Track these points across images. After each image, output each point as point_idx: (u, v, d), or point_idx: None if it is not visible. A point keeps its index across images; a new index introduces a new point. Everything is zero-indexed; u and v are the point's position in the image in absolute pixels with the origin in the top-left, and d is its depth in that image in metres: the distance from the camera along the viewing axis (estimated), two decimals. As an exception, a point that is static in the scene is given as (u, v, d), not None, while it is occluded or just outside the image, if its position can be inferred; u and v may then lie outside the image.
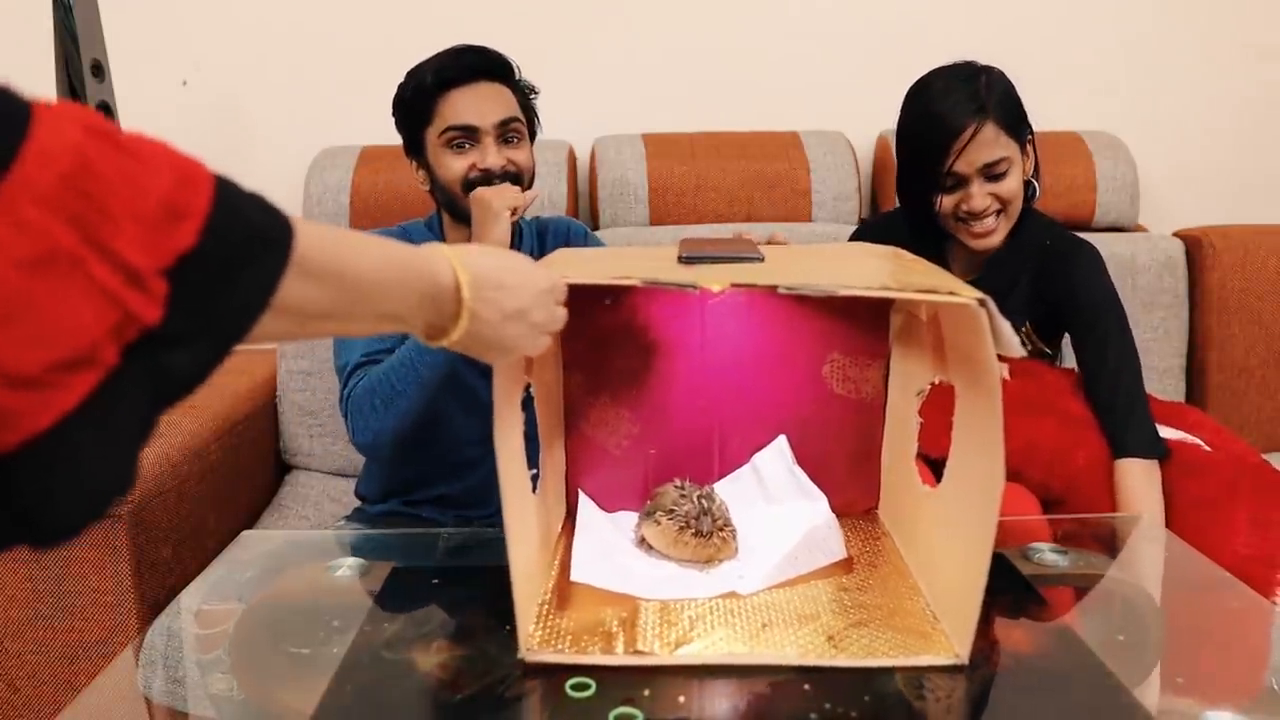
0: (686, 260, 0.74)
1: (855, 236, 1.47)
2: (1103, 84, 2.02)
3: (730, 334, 0.91)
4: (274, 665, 0.72)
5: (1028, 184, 1.24)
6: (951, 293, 0.61)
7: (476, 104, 1.19)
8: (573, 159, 1.91)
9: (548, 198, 1.82)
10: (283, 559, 0.94)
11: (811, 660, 0.67)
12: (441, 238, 1.27)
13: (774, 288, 0.63)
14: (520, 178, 1.21)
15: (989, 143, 1.17)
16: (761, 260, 0.75)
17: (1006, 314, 1.33)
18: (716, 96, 2.00)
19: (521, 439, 0.72)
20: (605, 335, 0.90)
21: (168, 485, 1.23)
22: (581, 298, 0.88)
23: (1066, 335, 1.31)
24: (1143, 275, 1.77)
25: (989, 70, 1.21)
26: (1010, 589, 0.80)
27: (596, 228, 1.88)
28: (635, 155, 1.85)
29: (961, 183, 1.19)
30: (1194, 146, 2.05)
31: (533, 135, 1.29)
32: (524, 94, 1.27)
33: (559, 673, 0.67)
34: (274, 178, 1.98)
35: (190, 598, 0.83)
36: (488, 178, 1.18)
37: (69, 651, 1.16)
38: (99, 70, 1.64)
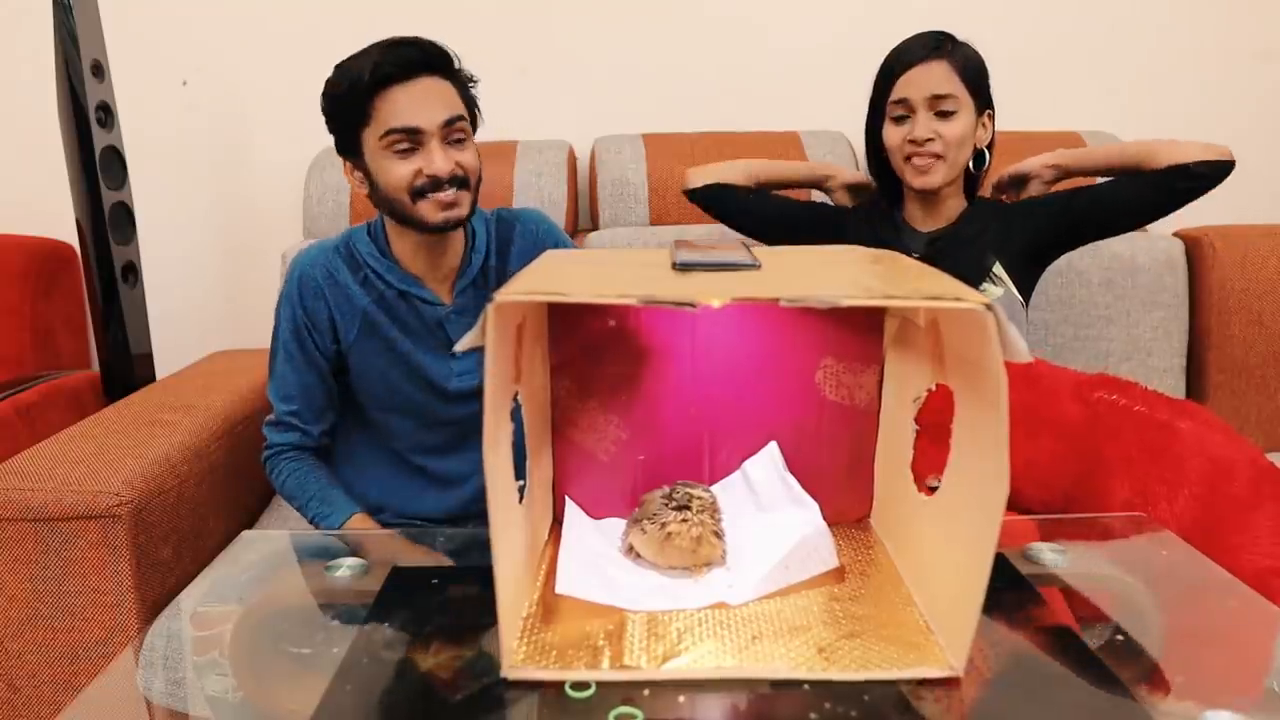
0: (681, 267, 0.73)
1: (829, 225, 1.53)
2: (1103, 84, 2.03)
3: (721, 339, 0.90)
4: (274, 665, 0.72)
5: (979, 154, 1.36)
6: (957, 298, 0.61)
7: (419, 103, 1.11)
8: (573, 159, 1.92)
9: (548, 198, 1.82)
10: (283, 559, 0.94)
11: (802, 674, 0.66)
12: (386, 245, 1.22)
13: (775, 300, 0.61)
14: (467, 181, 1.15)
15: (940, 77, 1.28)
16: (758, 267, 0.75)
17: (980, 253, 1.38)
18: (716, 96, 2.00)
19: (510, 449, 0.71)
20: (594, 340, 0.89)
21: (168, 485, 1.23)
22: (572, 305, 0.88)
23: (1034, 297, 1.45)
24: (1143, 275, 1.77)
25: (964, 42, 1.33)
26: (1010, 589, 0.80)
27: (596, 228, 1.89)
28: (635, 155, 1.85)
29: (909, 113, 1.30)
30: (1194, 146, 2.05)
31: (474, 128, 1.22)
32: (464, 86, 1.19)
33: (559, 673, 0.66)
34: (274, 178, 1.99)
35: (190, 598, 0.83)
36: (436, 184, 1.12)
37: (69, 651, 1.16)
38: (99, 70, 1.64)
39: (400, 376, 1.21)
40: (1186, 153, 1.31)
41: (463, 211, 1.15)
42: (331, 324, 1.20)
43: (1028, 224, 1.37)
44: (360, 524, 1.18)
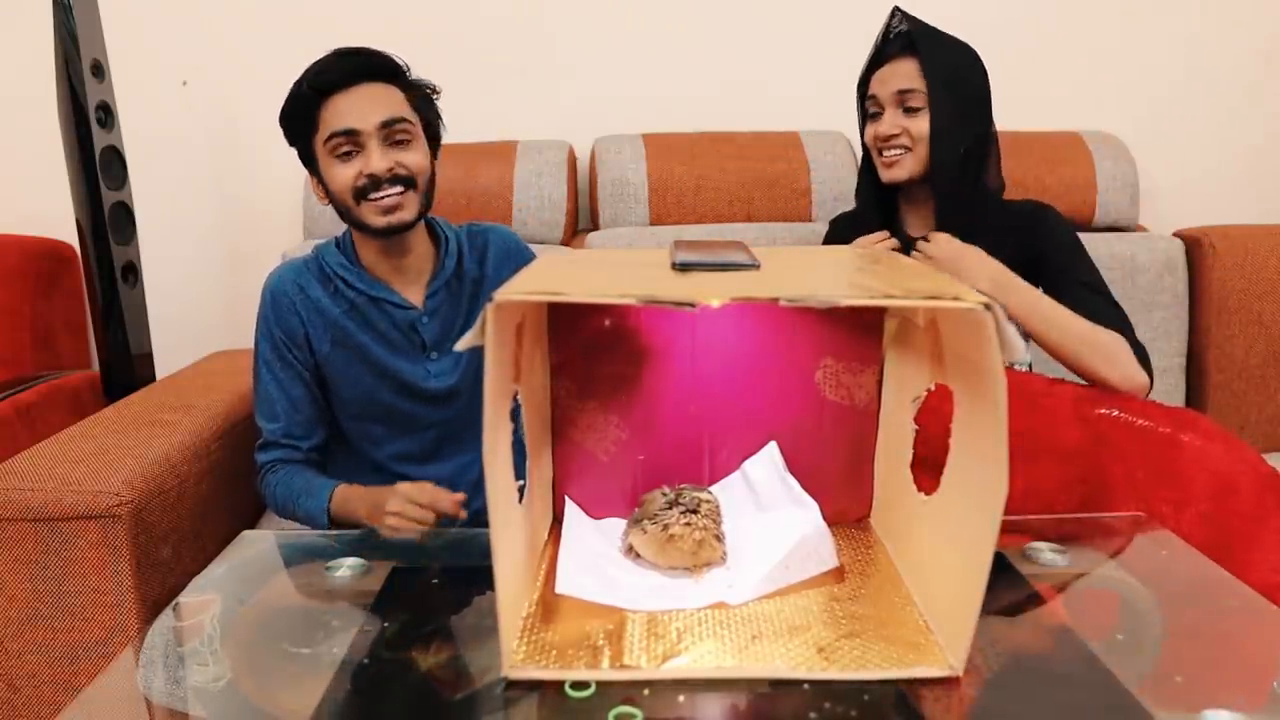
0: (681, 267, 0.73)
1: (831, 234, 1.53)
2: (1103, 84, 2.03)
3: (721, 340, 0.90)
4: (274, 665, 0.72)
5: (981, 175, 1.31)
6: (955, 298, 0.61)
7: (357, 107, 1.13)
8: (573, 159, 1.92)
9: (548, 198, 1.82)
10: (283, 558, 0.94)
11: (801, 673, 0.66)
12: (353, 254, 1.23)
13: (775, 300, 0.61)
14: (413, 181, 1.15)
15: (906, 74, 1.29)
16: (758, 267, 0.75)
17: None
18: (716, 96, 2.00)
19: (510, 449, 0.72)
20: (595, 341, 0.89)
21: (168, 485, 1.23)
22: (571, 305, 0.88)
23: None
24: (1143, 275, 1.77)
25: (943, 38, 1.30)
26: (1010, 589, 0.80)
27: (596, 228, 1.89)
28: (635, 155, 1.85)
29: (880, 109, 1.32)
30: (1194, 146, 2.05)
31: (435, 138, 1.22)
32: (420, 94, 1.20)
33: (558, 673, 0.67)
34: (273, 178, 1.99)
35: (189, 598, 0.83)
36: (375, 183, 1.13)
37: (69, 651, 1.15)
38: (99, 70, 1.64)
39: (376, 383, 1.23)
40: (1109, 375, 1.18)
41: (406, 215, 1.15)
42: (306, 338, 1.22)
43: (1005, 248, 1.28)
44: (344, 494, 1.17)
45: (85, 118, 1.61)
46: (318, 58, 1.17)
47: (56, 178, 1.69)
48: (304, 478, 1.22)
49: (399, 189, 1.14)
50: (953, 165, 1.29)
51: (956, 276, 1.19)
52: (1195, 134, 2.05)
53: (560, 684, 0.65)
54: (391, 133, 1.14)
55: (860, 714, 0.62)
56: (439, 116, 1.23)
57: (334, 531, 1.18)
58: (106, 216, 1.65)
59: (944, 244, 1.25)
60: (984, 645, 0.69)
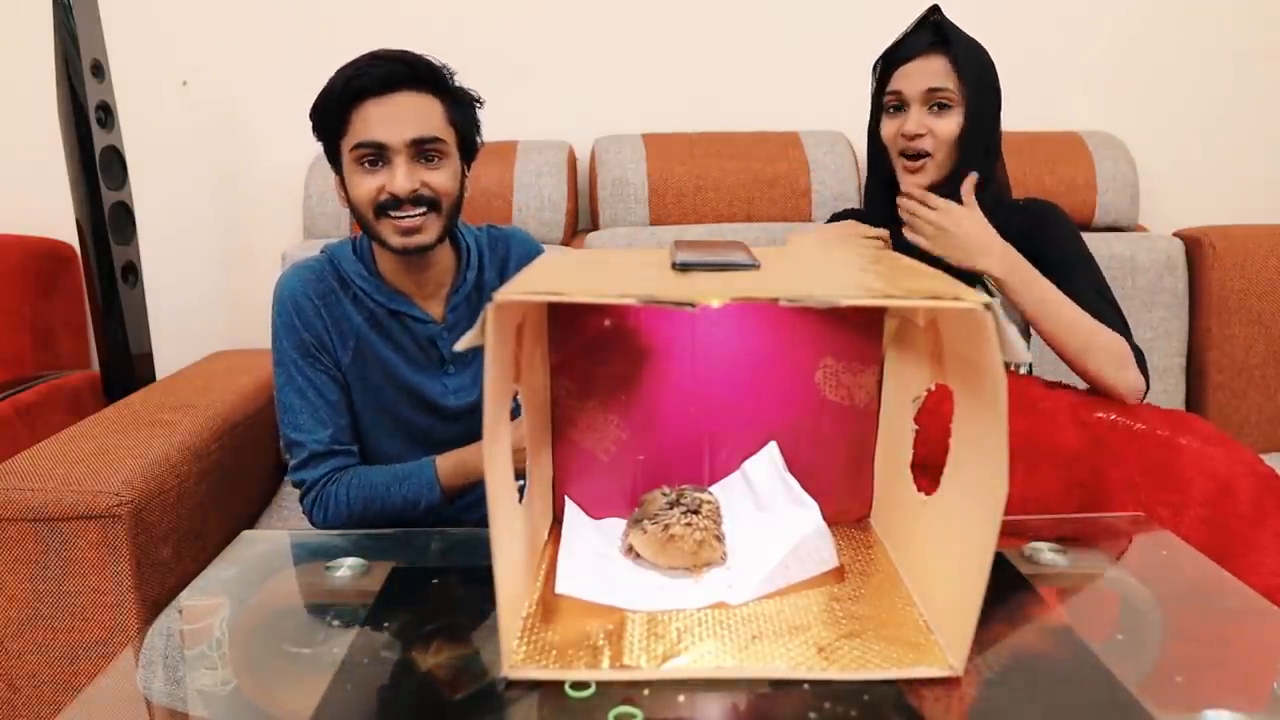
0: (681, 267, 0.73)
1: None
2: (1103, 84, 2.03)
3: (721, 339, 0.90)
4: (274, 665, 0.72)
5: (992, 177, 1.28)
6: (955, 298, 0.61)
7: (390, 119, 1.08)
8: (573, 159, 1.92)
9: (548, 198, 1.82)
10: (283, 559, 0.94)
11: (801, 673, 0.66)
12: (372, 263, 1.19)
13: (775, 300, 0.61)
14: (438, 203, 1.11)
15: (937, 72, 1.24)
16: (758, 267, 0.75)
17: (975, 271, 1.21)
18: (716, 96, 2.00)
19: (509, 448, 0.71)
20: (594, 340, 0.89)
21: (168, 485, 1.23)
22: (571, 305, 0.88)
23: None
24: (1143, 275, 1.77)
25: (970, 38, 1.27)
26: (1010, 589, 0.80)
27: (596, 228, 1.89)
28: (635, 155, 1.85)
29: (903, 106, 1.26)
30: (1194, 146, 2.05)
31: (470, 151, 1.18)
32: (460, 104, 1.15)
33: (559, 673, 0.67)
34: (274, 178, 1.99)
35: (190, 598, 0.83)
36: (397, 202, 1.09)
37: (69, 651, 1.16)
38: (99, 70, 1.64)
39: (395, 398, 1.19)
40: (1106, 372, 1.18)
41: (426, 238, 1.11)
42: (332, 345, 1.17)
43: (1037, 259, 1.27)
44: (453, 458, 1.12)
45: (85, 118, 1.61)
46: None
47: (56, 178, 1.69)
48: (379, 472, 1.14)
49: (421, 210, 1.10)
50: (976, 168, 1.26)
51: (964, 250, 1.20)
52: (1195, 134, 2.05)
53: (560, 684, 0.65)
54: (422, 151, 1.10)
55: (860, 714, 0.62)
56: (478, 127, 1.19)
57: (335, 531, 1.18)
58: (106, 216, 1.65)
59: (955, 213, 1.19)
60: (984, 645, 0.69)
